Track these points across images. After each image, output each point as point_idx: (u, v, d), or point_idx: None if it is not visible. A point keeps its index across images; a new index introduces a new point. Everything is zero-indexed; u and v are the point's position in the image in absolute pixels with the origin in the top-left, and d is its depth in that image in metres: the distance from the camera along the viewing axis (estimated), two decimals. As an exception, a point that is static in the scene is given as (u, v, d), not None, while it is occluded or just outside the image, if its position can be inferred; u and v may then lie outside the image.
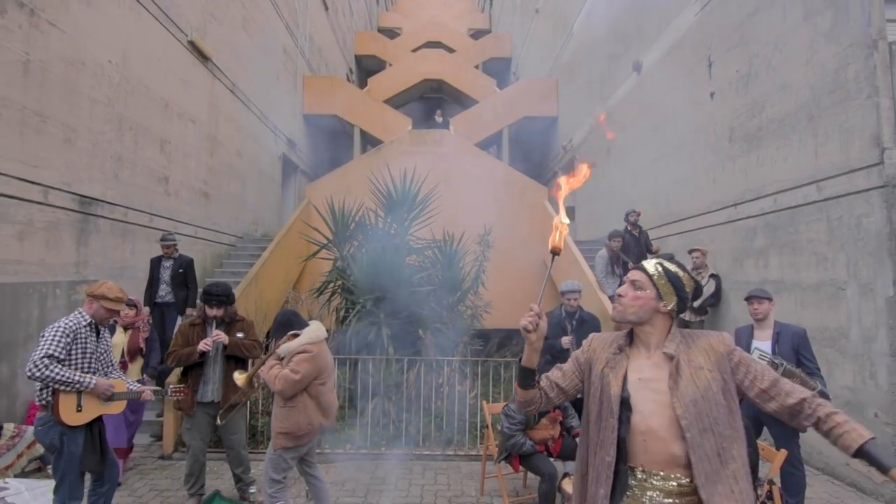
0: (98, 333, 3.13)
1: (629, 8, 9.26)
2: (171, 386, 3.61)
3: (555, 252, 1.58)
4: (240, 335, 3.93)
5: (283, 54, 12.37)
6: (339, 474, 4.52)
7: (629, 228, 7.21)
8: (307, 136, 14.74)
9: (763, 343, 3.81)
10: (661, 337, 1.57)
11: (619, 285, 1.69)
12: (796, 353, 3.68)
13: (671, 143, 7.71)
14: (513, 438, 3.56)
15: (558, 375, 1.70)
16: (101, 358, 3.13)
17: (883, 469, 1.35)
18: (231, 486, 4.13)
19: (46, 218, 5.21)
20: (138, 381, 3.75)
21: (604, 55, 10.63)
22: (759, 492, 2.91)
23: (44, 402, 2.93)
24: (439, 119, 15.80)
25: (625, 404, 1.51)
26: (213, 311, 3.85)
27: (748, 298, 3.90)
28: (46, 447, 3.00)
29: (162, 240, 6.19)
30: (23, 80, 4.92)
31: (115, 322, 4.30)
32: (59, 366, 2.84)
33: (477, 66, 20.06)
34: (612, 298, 6.36)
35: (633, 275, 1.63)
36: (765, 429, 3.83)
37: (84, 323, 3.01)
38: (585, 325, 4.44)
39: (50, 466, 4.40)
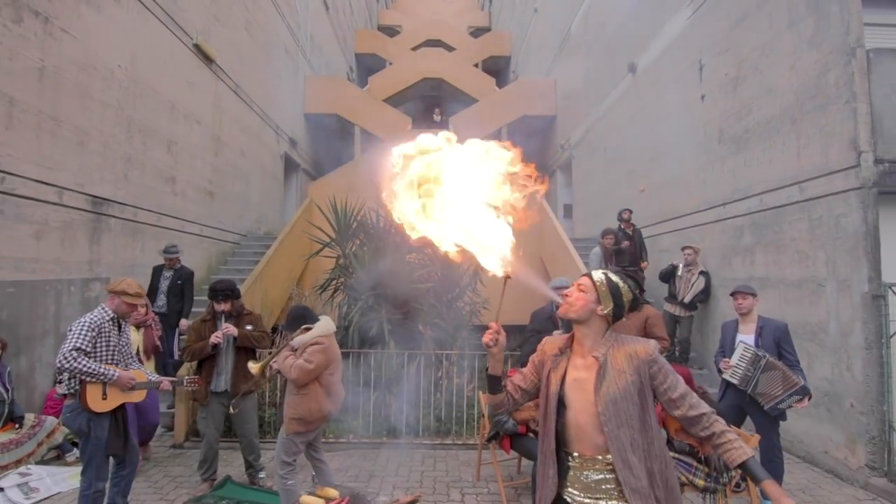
0: (120, 328, 3.36)
1: (625, 9, 9.44)
2: (187, 377, 3.84)
3: (507, 277, 1.81)
4: (249, 328, 4.17)
5: (284, 54, 12.55)
6: (342, 462, 4.76)
7: (622, 226, 7.44)
8: (308, 135, 14.94)
9: (747, 336, 4.03)
10: (595, 339, 1.82)
11: None
12: (778, 346, 3.90)
13: (665, 143, 7.92)
14: (496, 416, 3.85)
15: (520, 379, 1.98)
16: (123, 350, 3.37)
17: (757, 481, 1.66)
18: (241, 473, 4.37)
19: (61, 218, 5.43)
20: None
21: (601, 55, 10.82)
22: (734, 474, 3.13)
23: (72, 391, 3.17)
24: (437, 117, 15.96)
25: (561, 402, 1.80)
26: (220, 306, 4.10)
27: (733, 294, 4.14)
28: (75, 432, 3.23)
29: (165, 251, 6.30)
30: (38, 85, 5.13)
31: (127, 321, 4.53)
32: (87, 358, 3.07)
33: (476, 65, 20.21)
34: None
35: (581, 280, 1.89)
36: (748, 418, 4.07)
37: (107, 318, 3.24)
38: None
39: (68, 455, 4.66)
